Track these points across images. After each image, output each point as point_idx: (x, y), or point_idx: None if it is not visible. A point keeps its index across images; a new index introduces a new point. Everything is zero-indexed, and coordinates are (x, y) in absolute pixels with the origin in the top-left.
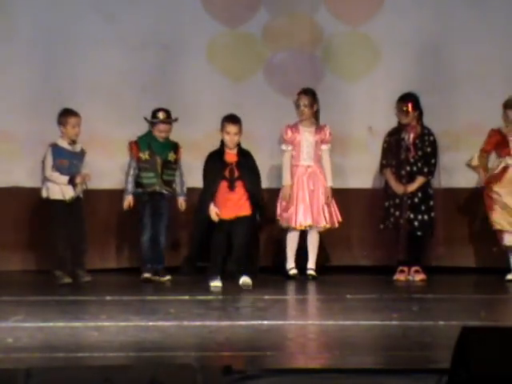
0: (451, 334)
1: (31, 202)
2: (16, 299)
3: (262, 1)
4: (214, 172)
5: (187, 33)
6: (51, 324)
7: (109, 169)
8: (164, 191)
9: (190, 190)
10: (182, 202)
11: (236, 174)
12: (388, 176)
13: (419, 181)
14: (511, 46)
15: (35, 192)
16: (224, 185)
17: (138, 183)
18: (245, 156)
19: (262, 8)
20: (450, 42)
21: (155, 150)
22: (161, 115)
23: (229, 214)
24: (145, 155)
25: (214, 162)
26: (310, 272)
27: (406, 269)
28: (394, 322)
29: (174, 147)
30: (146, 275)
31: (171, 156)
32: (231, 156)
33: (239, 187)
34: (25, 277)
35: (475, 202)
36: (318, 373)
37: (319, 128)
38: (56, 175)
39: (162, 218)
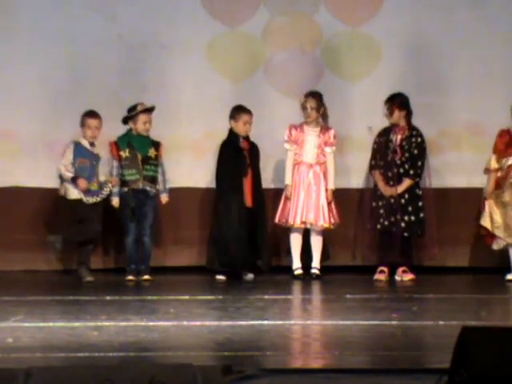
0: (451, 334)
1: (31, 201)
2: (16, 299)
3: (262, 0)
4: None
5: (187, 33)
6: (51, 324)
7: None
8: (148, 188)
9: (191, 190)
10: (164, 197)
11: (248, 161)
12: (377, 177)
13: (406, 183)
14: (511, 46)
15: (35, 192)
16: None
17: (122, 182)
18: (255, 147)
19: (262, 8)
20: (449, 42)
21: (135, 146)
22: (140, 107)
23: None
24: (125, 153)
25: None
26: (314, 271)
27: (386, 269)
28: (393, 322)
29: (155, 144)
30: (130, 277)
31: (151, 152)
32: (245, 144)
33: (249, 175)
34: (25, 277)
35: (478, 202)
36: (317, 373)
37: (324, 129)
38: (64, 170)
39: (146, 217)
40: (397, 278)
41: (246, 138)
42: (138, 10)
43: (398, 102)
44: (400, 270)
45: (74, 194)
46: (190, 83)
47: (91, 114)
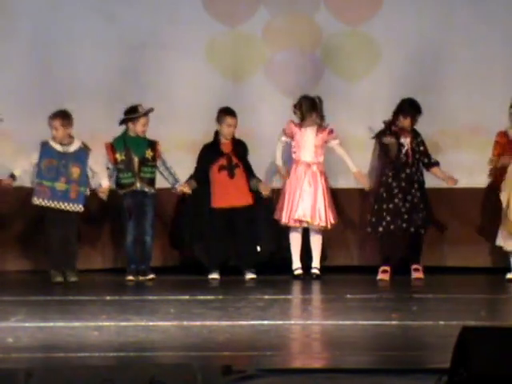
0: (451, 334)
1: (31, 201)
2: (16, 299)
3: (262, 1)
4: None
5: (187, 33)
6: (51, 324)
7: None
8: (145, 189)
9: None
10: (181, 188)
11: (234, 161)
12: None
13: (439, 170)
14: (511, 46)
15: None
16: (224, 174)
17: (119, 185)
18: (239, 144)
19: (262, 8)
20: (450, 42)
21: (131, 148)
22: (141, 108)
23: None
24: (121, 156)
25: (210, 152)
26: (314, 271)
27: (388, 268)
28: (393, 322)
29: (151, 144)
30: (130, 277)
31: (148, 153)
32: (227, 146)
33: (239, 175)
34: (25, 277)
35: (478, 202)
36: (317, 373)
37: (322, 128)
38: (19, 167)
39: (146, 216)
40: (412, 275)
41: (231, 140)
42: (138, 10)
43: None
44: (413, 267)
45: (37, 200)
46: (189, 83)
47: (55, 114)
